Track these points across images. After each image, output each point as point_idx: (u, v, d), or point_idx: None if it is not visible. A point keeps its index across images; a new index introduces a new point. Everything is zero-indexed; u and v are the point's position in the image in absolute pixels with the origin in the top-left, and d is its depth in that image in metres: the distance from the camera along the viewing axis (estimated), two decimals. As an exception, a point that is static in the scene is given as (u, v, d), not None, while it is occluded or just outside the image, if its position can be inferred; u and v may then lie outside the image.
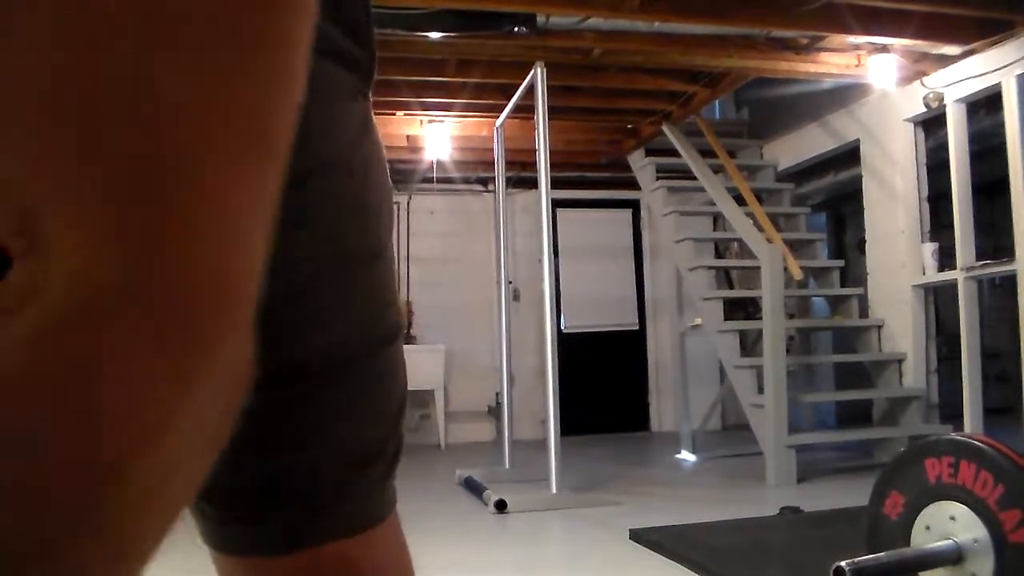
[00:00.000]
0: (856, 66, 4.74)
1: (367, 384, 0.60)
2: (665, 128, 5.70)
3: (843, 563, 1.84)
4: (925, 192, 5.15)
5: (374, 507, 0.63)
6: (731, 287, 6.45)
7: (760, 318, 4.84)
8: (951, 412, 4.97)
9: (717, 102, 6.62)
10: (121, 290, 0.29)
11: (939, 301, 5.46)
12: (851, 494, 3.49)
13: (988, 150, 4.82)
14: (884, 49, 4.61)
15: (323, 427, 0.58)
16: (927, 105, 4.82)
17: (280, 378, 0.55)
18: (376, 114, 0.64)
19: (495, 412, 7.15)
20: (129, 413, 0.29)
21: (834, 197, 6.89)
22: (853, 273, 6.30)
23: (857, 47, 4.65)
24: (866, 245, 5.62)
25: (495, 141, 5.30)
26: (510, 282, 5.91)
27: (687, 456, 5.59)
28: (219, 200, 0.32)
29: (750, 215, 5.07)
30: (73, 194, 0.30)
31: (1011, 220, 4.32)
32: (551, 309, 4.19)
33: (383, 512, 0.63)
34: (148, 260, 0.30)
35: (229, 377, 0.33)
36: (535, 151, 4.29)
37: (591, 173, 7.38)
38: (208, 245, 0.32)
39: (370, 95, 0.62)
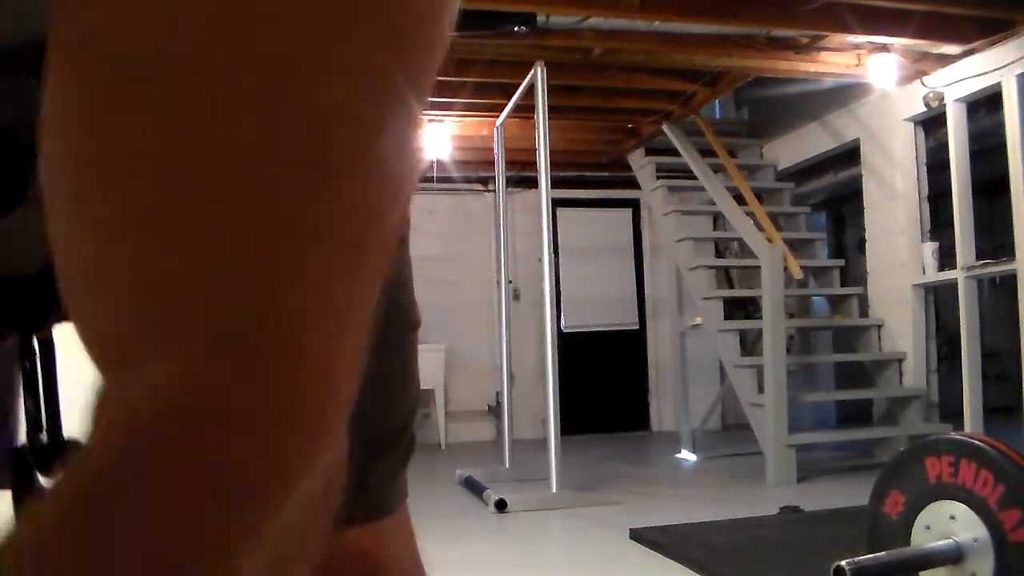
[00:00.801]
0: (856, 65, 4.74)
1: (389, 370, 0.61)
2: (665, 128, 5.70)
3: (843, 562, 1.84)
4: (925, 192, 5.15)
5: (389, 496, 0.63)
6: (731, 287, 6.45)
7: (760, 317, 4.84)
8: (951, 411, 4.97)
9: (717, 102, 6.62)
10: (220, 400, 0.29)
11: (939, 301, 5.46)
12: (851, 494, 3.49)
13: (988, 150, 4.82)
14: (884, 48, 4.61)
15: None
16: (927, 105, 4.82)
17: None
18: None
19: (495, 412, 7.15)
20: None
21: (834, 197, 6.89)
22: (853, 273, 6.29)
23: (857, 46, 4.64)
24: (866, 245, 5.62)
25: (495, 140, 5.30)
26: (510, 282, 5.91)
27: (687, 456, 5.59)
28: (322, 303, 0.31)
29: (750, 214, 5.07)
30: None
31: (1011, 220, 4.32)
32: (551, 309, 4.19)
33: (397, 502, 0.63)
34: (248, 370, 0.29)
35: (323, 478, 0.33)
36: (535, 151, 4.29)
37: (591, 172, 7.38)
38: (311, 352, 0.30)
39: None
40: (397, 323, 0.61)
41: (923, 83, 4.83)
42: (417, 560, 0.66)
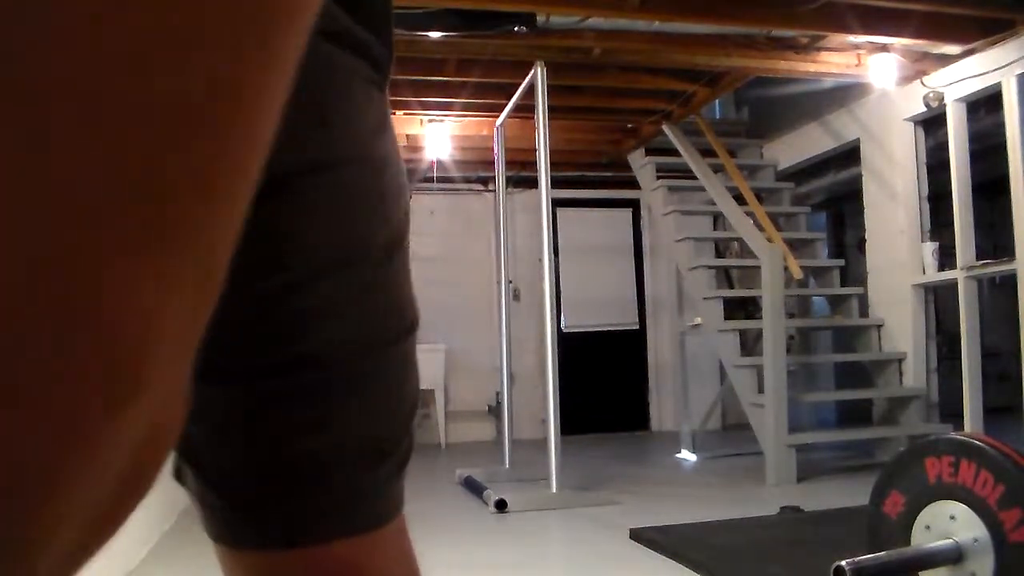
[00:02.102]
0: (856, 65, 4.74)
1: (383, 377, 0.60)
2: (665, 128, 5.70)
3: (843, 562, 1.84)
4: (925, 192, 5.15)
5: (383, 506, 0.62)
6: (731, 287, 6.45)
7: (760, 317, 4.84)
8: (951, 411, 4.97)
9: (717, 102, 6.61)
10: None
11: (939, 301, 5.46)
12: (851, 494, 3.50)
13: (988, 150, 4.82)
14: (884, 48, 4.61)
15: (335, 418, 0.57)
16: (927, 104, 4.82)
17: (294, 366, 0.55)
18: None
19: (495, 412, 7.15)
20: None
21: (834, 197, 6.89)
22: (853, 273, 6.29)
23: (857, 46, 4.65)
24: (866, 245, 5.62)
25: (495, 141, 5.30)
26: (510, 282, 5.91)
27: (687, 456, 5.59)
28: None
29: (750, 215, 5.07)
30: None
31: (1011, 220, 4.32)
32: (551, 309, 4.19)
33: (391, 513, 0.62)
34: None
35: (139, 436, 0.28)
36: (535, 151, 4.29)
37: (591, 173, 7.38)
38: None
39: (386, 89, 0.61)
40: (387, 328, 0.60)
41: (923, 83, 4.83)
42: (412, 572, 0.65)
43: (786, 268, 4.68)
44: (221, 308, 0.55)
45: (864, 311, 5.59)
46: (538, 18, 4.18)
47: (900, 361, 5.22)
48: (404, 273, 0.62)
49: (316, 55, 0.55)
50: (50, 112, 0.25)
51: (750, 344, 5.74)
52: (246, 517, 0.59)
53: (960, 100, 4.66)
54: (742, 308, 5.93)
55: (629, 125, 6.15)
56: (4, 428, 0.24)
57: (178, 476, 0.63)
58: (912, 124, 5.13)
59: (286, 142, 0.53)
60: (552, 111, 4.45)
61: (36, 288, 0.25)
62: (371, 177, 0.59)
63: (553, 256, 4.29)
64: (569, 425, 5.42)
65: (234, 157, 0.29)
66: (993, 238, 6.06)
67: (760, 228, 4.92)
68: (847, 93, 5.50)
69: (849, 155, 5.82)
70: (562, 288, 7.26)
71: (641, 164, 6.30)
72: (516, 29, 4.14)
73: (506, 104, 4.95)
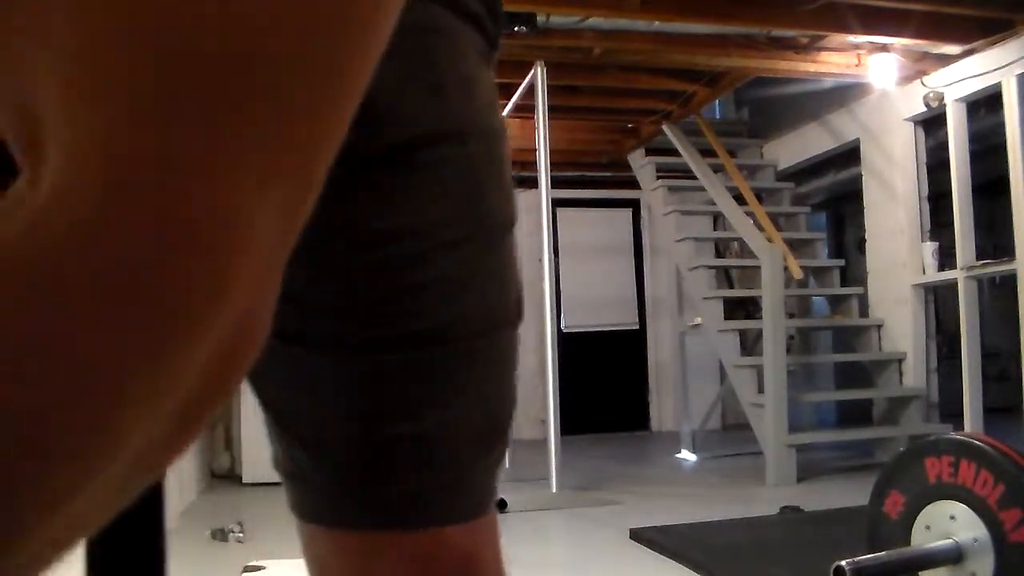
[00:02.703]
0: (856, 65, 4.74)
1: (495, 362, 0.58)
2: (665, 127, 5.70)
3: (843, 562, 1.84)
4: (925, 192, 5.15)
5: (488, 496, 0.60)
6: (731, 287, 6.45)
7: (760, 317, 4.84)
8: (951, 411, 4.97)
9: (717, 102, 6.61)
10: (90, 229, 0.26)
11: (939, 301, 5.46)
12: (851, 494, 3.49)
13: (988, 150, 4.82)
14: (884, 48, 4.61)
15: (452, 397, 0.56)
16: (927, 104, 4.82)
17: (413, 340, 0.54)
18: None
19: (495, 412, 7.14)
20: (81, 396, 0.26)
21: (834, 197, 6.89)
22: (853, 273, 6.30)
23: (857, 46, 4.64)
24: (866, 245, 5.62)
25: (495, 141, 5.30)
26: (510, 282, 5.90)
27: (687, 456, 5.59)
28: (249, 137, 0.28)
29: (750, 215, 5.07)
30: (79, 100, 0.27)
31: (1011, 220, 4.32)
32: (551, 309, 4.18)
33: (492, 503, 0.61)
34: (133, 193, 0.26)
35: (217, 352, 0.29)
36: (535, 150, 4.29)
37: (591, 172, 7.38)
38: (213, 184, 0.27)
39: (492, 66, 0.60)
40: (503, 310, 0.58)
41: (923, 83, 4.83)
42: (503, 564, 0.62)
43: (786, 268, 4.68)
44: (339, 277, 0.53)
45: (864, 311, 5.59)
46: (538, 18, 4.18)
47: (900, 361, 5.22)
48: (514, 257, 0.60)
49: (431, 18, 0.53)
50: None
51: (750, 344, 5.74)
52: (350, 495, 0.57)
53: (960, 100, 4.66)
54: (742, 308, 5.93)
55: (629, 125, 6.15)
56: (113, 309, 0.26)
57: (276, 462, 0.61)
58: (912, 124, 5.13)
59: (403, 109, 0.52)
60: (552, 111, 4.45)
61: (147, 182, 0.26)
62: (491, 151, 0.57)
63: (553, 256, 4.28)
64: (569, 425, 5.42)
65: (342, 67, 0.31)
66: (993, 238, 6.05)
67: (760, 228, 4.92)
68: (847, 93, 5.50)
69: (849, 155, 5.81)
70: (562, 288, 7.25)
71: (641, 164, 6.30)
72: (516, 29, 4.14)
73: (506, 104, 4.94)
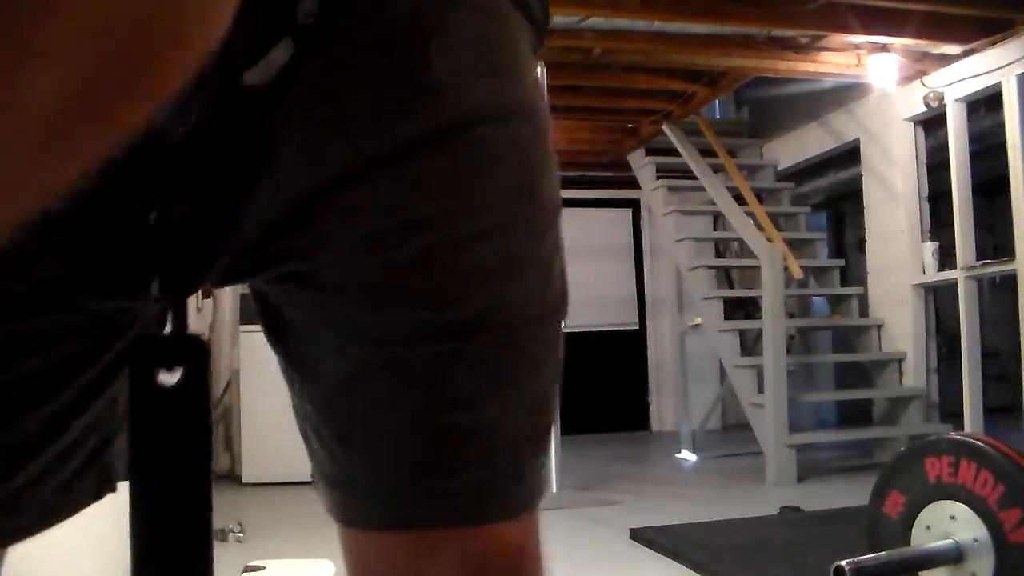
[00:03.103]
0: (856, 65, 4.74)
1: (543, 351, 0.56)
2: (665, 127, 5.70)
3: (843, 562, 1.84)
4: (925, 192, 5.15)
5: (541, 487, 0.58)
6: (731, 287, 6.45)
7: (760, 317, 4.84)
8: (951, 411, 4.97)
9: (717, 102, 6.61)
10: None
11: (939, 301, 5.46)
12: (851, 494, 3.49)
13: (988, 150, 4.82)
14: (884, 48, 4.61)
15: (503, 389, 0.54)
16: (927, 104, 4.82)
17: (461, 328, 0.52)
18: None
19: (495, 412, 7.15)
20: None
21: (834, 197, 6.89)
22: (853, 273, 6.30)
23: (857, 46, 4.64)
24: (866, 245, 5.62)
25: (495, 141, 5.30)
26: (510, 282, 5.90)
27: (687, 456, 5.59)
28: None
29: (750, 214, 5.07)
30: None
31: (1011, 220, 4.32)
32: (551, 309, 4.17)
33: (539, 500, 0.59)
34: None
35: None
36: (535, 151, 4.29)
37: (591, 172, 7.37)
38: None
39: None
40: (552, 298, 0.56)
41: (923, 83, 4.83)
42: (545, 559, 0.60)
43: (786, 268, 4.68)
44: (381, 264, 0.52)
45: (864, 311, 5.59)
46: (538, 18, 4.18)
47: (900, 361, 5.22)
48: (559, 245, 0.58)
49: (494, 1, 0.54)
50: None
51: (750, 344, 5.74)
52: (406, 493, 0.54)
53: (960, 100, 4.66)
54: (742, 308, 5.93)
55: (629, 125, 6.15)
56: None
57: (317, 474, 0.59)
58: (912, 124, 5.13)
59: (460, 87, 0.51)
60: (552, 111, 4.40)
61: None
62: (539, 135, 0.57)
63: (553, 256, 4.27)
64: (569, 425, 5.41)
65: None
66: (993, 238, 6.06)
67: (760, 228, 4.92)
68: (847, 93, 5.50)
69: (849, 155, 5.81)
70: (562, 288, 7.25)
71: (641, 164, 6.30)
72: (516, 29, 4.14)
73: (506, 104, 4.94)
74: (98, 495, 0.57)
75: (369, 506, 0.55)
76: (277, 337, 0.58)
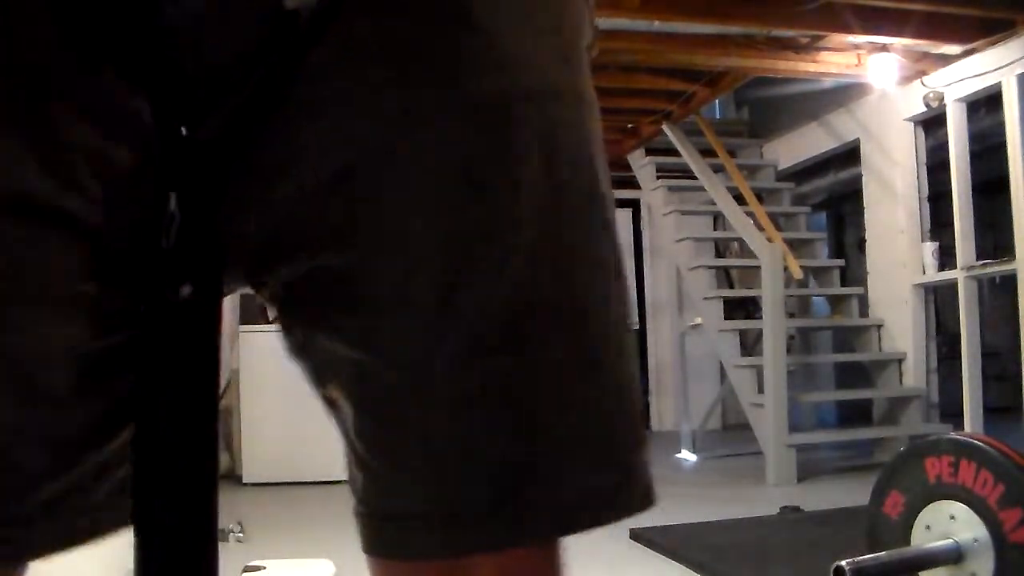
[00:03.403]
0: (856, 65, 4.73)
1: (611, 353, 0.55)
2: (665, 127, 5.70)
3: (843, 562, 1.84)
4: (925, 192, 5.15)
5: (651, 486, 0.58)
6: (731, 286, 6.45)
7: (760, 317, 4.84)
8: (951, 411, 4.97)
9: (717, 101, 6.61)
10: None
11: (939, 301, 5.46)
12: (851, 493, 3.49)
13: (988, 150, 4.82)
14: (884, 48, 4.61)
15: (560, 401, 0.51)
16: (927, 104, 4.82)
17: (511, 330, 0.48)
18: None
19: (495, 412, 7.15)
20: None
21: (834, 197, 6.89)
22: (853, 273, 6.30)
23: (857, 46, 4.64)
24: (866, 245, 5.62)
25: (495, 141, 5.29)
26: (510, 282, 5.90)
27: (687, 455, 5.59)
28: None
29: (750, 214, 5.07)
30: None
31: (1011, 219, 4.32)
32: (551, 309, 4.17)
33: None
34: None
35: None
36: (535, 151, 4.29)
37: (591, 172, 7.37)
38: None
39: None
40: (599, 293, 0.53)
41: (923, 83, 4.83)
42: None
43: (786, 268, 4.68)
44: (413, 263, 0.48)
45: (864, 311, 5.59)
46: (538, 18, 4.18)
47: (900, 361, 5.22)
48: (608, 234, 0.56)
49: None
50: None
51: (750, 344, 5.74)
52: (443, 524, 0.49)
53: (960, 100, 4.66)
54: (742, 308, 5.93)
55: (629, 125, 6.15)
56: None
57: (364, 512, 0.53)
58: (912, 124, 5.13)
59: (528, 56, 0.50)
60: (552, 111, 4.44)
61: None
62: (592, 119, 0.55)
63: (553, 256, 4.27)
64: (569, 425, 5.43)
65: None
66: (993, 238, 6.05)
67: (760, 228, 4.92)
68: (847, 93, 5.50)
69: (849, 155, 5.82)
70: (562, 288, 7.25)
71: (641, 164, 6.30)
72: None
73: (506, 104, 4.94)
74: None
75: (410, 533, 0.50)
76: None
